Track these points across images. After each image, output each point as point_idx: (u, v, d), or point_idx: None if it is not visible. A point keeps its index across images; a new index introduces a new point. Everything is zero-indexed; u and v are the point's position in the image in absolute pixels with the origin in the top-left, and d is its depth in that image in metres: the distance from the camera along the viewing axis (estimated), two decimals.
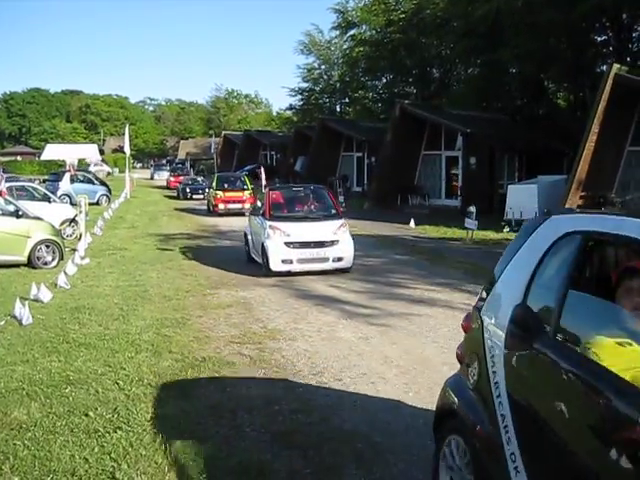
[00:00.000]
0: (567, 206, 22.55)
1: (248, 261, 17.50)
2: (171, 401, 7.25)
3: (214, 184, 34.64)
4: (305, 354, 9.10)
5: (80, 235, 20.35)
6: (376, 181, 37.28)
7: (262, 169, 25.55)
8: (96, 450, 6.01)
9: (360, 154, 46.88)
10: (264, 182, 22.26)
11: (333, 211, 16.68)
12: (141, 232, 24.70)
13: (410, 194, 36.63)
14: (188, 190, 47.84)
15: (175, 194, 49.80)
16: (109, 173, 79.86)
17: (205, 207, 36.72)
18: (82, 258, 17.32)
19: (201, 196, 44.32)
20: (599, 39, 39.29)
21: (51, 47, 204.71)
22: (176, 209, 37.76)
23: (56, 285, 13.70)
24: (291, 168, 54.45)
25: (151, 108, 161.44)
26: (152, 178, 78.93)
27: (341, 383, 7.93)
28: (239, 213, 30.32)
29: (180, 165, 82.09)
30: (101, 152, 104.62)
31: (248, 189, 33.74)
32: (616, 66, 23.14)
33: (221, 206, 32.87)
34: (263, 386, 7.82)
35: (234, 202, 32.87)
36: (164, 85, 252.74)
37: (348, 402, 7.29)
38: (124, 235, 23.75)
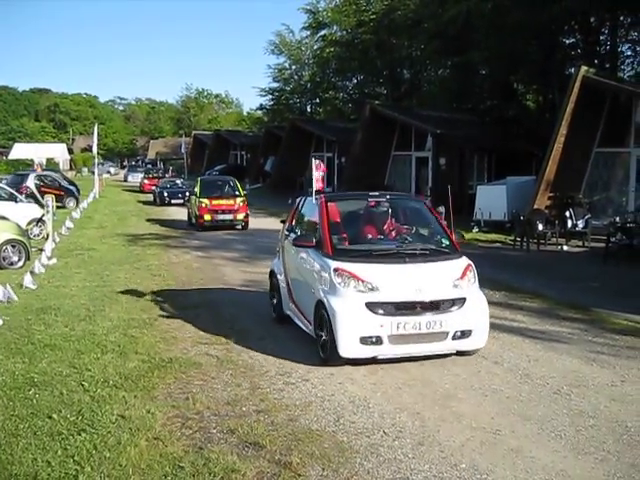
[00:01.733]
0: (535, 206, 22.73)
1: (276, 320, 11.04)
2: (137, 403, 7.18)
3: (197, 190, 27.13)
4: (273, 354, 9.07)
5: (47, 235, 20.15)
6: (346, 181, 37.27)
7: (317, 162, 11.74)
8: (59, 453, 5.94)
9: (330, 154, 46.85)
10: (318, 184, 10.87)
11: (445, 241, 9.56)
12: (109, 232, 24.50)
13: None
14: (166, 194, 40.87)
15: (151, 199, 43.44)
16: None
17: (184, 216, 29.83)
18: (49, 258, 17.15)
19: (181, 201, 38.96)
20: (567, 42, 39.60)
21: (19, 45, 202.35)
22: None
23: (22, 286, 13.53)
24: (261, 168, 54.40)
25: (121, 107, 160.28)
26: (125, 180, 72.93)
27: (309, 383, 7.91)
28: (229, 226, 26.25)
29: (150, 166, 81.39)
30: (70, 151, 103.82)
31: (241, 195, 27.28)
32: (584, 68, 23.36)
33: (207, 217, 25.84)
34: (230, 387, 7.77)
35: (224, 212, 26.17)
36: (134, 84, 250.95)
37: (316, 402, 7.27)
38: (92, 235, 23.54)
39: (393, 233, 9.77)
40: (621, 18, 36.05)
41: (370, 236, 9.57)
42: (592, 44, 37.81)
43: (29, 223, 21.22)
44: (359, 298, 8.20)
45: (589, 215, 22.17)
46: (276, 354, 9.09)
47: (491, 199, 25.87)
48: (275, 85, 74.04)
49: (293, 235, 10.41)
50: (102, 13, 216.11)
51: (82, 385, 7.72)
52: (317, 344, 8.77)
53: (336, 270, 8.45)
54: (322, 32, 62.56)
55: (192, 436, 6.39)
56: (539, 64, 36.44)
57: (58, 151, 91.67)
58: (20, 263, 16.35)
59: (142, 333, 10.09)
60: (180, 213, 32.25)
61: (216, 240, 22.73)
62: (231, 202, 26.55)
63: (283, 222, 11.72)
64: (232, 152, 74.05)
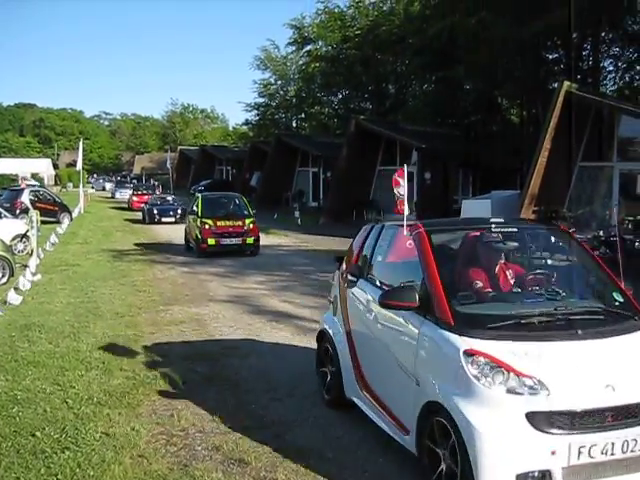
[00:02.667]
0: None
1: (329, 404, 7.75)
2: (121, 420, 7.14)
3: (198, 209, 23.30)
4: (258, 371, 9.04)
5: (32, 251, 20.02)
6: (331, 196, 37.40)
7: (401, 170, 7.58)
8: (42, 471, 5.88)
9: (316, 169, 46.95)
10: (400, 206, 7.26)
11: (618, 297, 6.16)
12: (94, 248, 24.38)
13: (365, 209, 36.70)
14: (156, 212, 37.86)
15: (140, 217, 39.58)
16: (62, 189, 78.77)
17: (179, 238, 26.31)
18: (33, 274, 17.03)
19: (172, 219, 36.91)
20: (551, 57, 39.96)
21: (4, 59, 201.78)
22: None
23: (6, 302, 13.44)
24: (247, 183, 54.42)
25: (106, 122, 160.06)
26: (113, 196, 69.54)
27: (295, 400, 7.88)
28: (236, 252, 22.59)
29: (136, 181, 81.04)
30: (55, 166, 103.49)
31: (250, 215, 23.81)
32: (567, 84, 23.54)
33: (211, 241, 22.17)
34: (216, 403, 7.73)
35: (230, 235, 22.56)
36: (120, 99, 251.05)
37: (301, 419, 7.25)
38: (77, 251, 23.43)
39: (529, 282, 6.28)
40: (603, 34, 36.41)
41: (504, 288, 6.13)
42: (575, 60, 38.15)
43: (13, 239, 21.07)
44: (514, 405, 4.83)
45: (573, 229, 22.19)
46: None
47: (476, 213, 25.82)
48: (261, 100, 74.23)
49: (363, 282, 7.10)
50: (87, 28, 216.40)
51: (66, 402, 7.66)
52: (429, 472, 5.35)
53: (469, 354, 5.08)
54: (307, 47, 62.84)
55: (177, 453, 6.35)
56: (523, 79, 36.74)
57: (43, 166, 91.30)
58: (4, 279, 16.21)
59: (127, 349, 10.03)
60: (173, 233, 29.81)
61: (201, 255, 22.65)
62: (239, 223, 22.96)
63: (339, 260, 8.20)
64: (218, 167, 74.05)
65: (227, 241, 22.52)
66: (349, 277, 7.40)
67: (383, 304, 6.02)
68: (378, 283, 6.84)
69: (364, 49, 53.20)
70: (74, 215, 38.75)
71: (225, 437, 6.70)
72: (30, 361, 9.31)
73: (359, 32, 53.88)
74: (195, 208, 23.74)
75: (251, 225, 23.03)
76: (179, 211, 37.14)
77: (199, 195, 25.45)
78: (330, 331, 7.75)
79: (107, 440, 6.59)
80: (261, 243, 23.69)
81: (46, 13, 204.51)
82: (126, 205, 51.60)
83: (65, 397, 7.84)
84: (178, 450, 6.42)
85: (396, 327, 6.13)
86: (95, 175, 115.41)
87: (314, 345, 8.62)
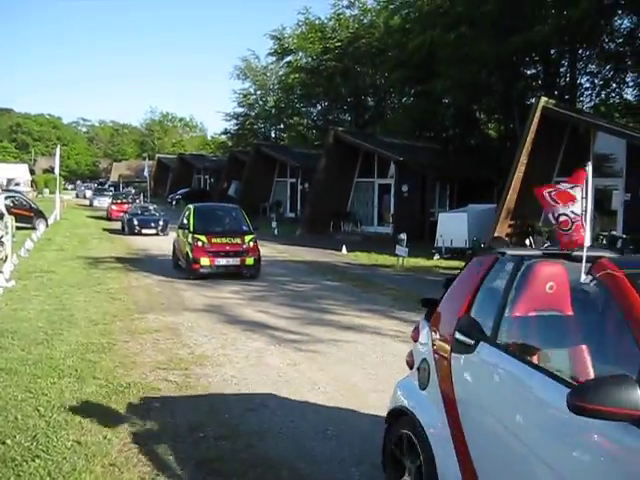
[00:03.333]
0: (496, 234, 22.98)
1: None
2: (93, 428, 7.08)
3: (190, 222, 20.24)
4: (232, 380, 9.02)
5: (6, 257, 19.86)
6: (309, 207, 37.44)
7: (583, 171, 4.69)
8: (12, 479, 5.82)
9: (294, 180, 47.05)
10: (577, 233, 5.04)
11: None
12: (70, 255, 24.19)
13: (342, 221, 36.87)
14: (136, 222, 35.19)
15: (119, 227, 37.66)
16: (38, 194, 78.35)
17: (162, 256, 24.15)
18: (7, 280, 16.86)
19: (153, 230, 34.85)
20: (529, 72, 40.44)
21: None
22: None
23: None
24: (225, 193, 54.40)
25: (84, 129, 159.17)
26: (91, 205, 66.00)
27: (268, 410, 7.86)
28: (234, 274, 19.45)
29: (113, 189, 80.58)
30: (31, 172, 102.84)
31: (250, 232, 20.58)
32: (544, 99, 23.81)
33: (205, 262, 19.02)
34: (188, 412, 7.70)
35: (228, 255, 19.40)
36: (98, 106, 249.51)
37: (275, 429, 7.23)
38: (52, 257, 23.24)
39: None
40: (580, 51, 36.85)
41: None
42: (552, 75, 38.61)
43: None
44: None
45: (549, 243, 22.45)
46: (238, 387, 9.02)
47: (452, 226, 26.12)
48: (240, 110, 74.42)
49: (488, 349, 4.36)
50: (66, 34, 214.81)
51: (38, 410, 7.58)
52: None
53: None
54: (287, 58, 63.11)
55: (148, 463, 6.31)
56: (501, 94, 37.12)
57: (20, 172, 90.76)
58: None
59: (100, 357, 9.96)
60: (157, 247, 27.51)
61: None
62: (237, 241, 19.75)
63: (427, 305, 5.90)
64: (196, 176, 73.95)
65: (223, 261, 19.24)
66: (458, 336, 4.65)
67: (578, 408, 3.07)
68: (520, 353, 4.18)
69: (344, 61, 53.53)
70: (50, 222, 38.45)
71: (198, 446, 6.67)
72: (2, 368, 9.20)
73: (339, 44, 54.17)
74: (186, 221, 20.71)
75: (251, 243, 19.78)
76: (161, 222, 35.23)
77: (191, 206, 21.68)
78: (418, 416, 4.92)
79: (79, 448, 6.52)
80: None
81: (23, 17, 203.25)
82: (104, 214, 48.71)
83: (37, 405, 7.75)
84: (150, 458, 6.38)
85: (583, 440, 3.35)
86: (79, 182, 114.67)
87: (288, 354, 8.52)
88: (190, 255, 19.15)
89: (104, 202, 58.97)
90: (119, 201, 48.48)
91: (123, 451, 6.54)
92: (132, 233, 34.43)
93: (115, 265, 21.86)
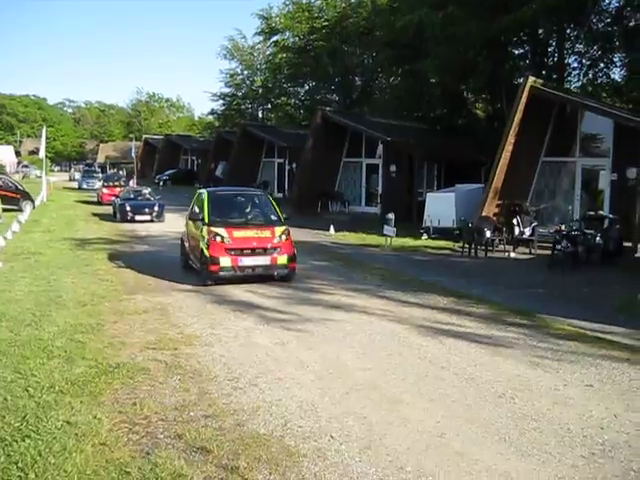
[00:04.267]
0: (484, 214, 23.03)
1: None
2: (83, 408, 7.11)
3: (204, 211, 15.97)
4: (221, 360, 9.06)
5: None
6: (297, 187, 37.37)
7: None
8: (2, 460, 5.86)
9: (281, 160, 46.96)
10: None
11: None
12: (57, 236, 24.10)
13: (330, 201, 36.88)
14: (128, 208, 31.82)
15: (110, 212, 34.33)
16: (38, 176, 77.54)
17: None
18: None
19: (148, 217, 31.51)
20: (517, 52, 40.36)
21: None
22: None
23: None
24: (212, 173, 54.25)
25: (70, 110, 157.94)
26: (80, 187, 62.15)
27: (257, 389, 7.91)
28: (262, 277, 15.47)
29: (100, 170, 79.92)
30: (17, 154, 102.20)
31: (281, 221, 16.25)
32: (531, 79, 23.77)
33: (225, 262, 14.87)
34: (178, 392, 7.74)
35: (254, 253, 15.20)
36: (84, 87, 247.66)
37: (264, 407, 7.28)
38: (39, 239, 23.15)
39: None
40: (568, 31, 36.80)
41: None
42: (540, 55, 38.56)
43: None
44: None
45: (536, 223, 22.60)
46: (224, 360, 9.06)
47: (440, 206, 26.15)
48: (227, 90, 74.16)
49: None
50: (50, 14, 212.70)
51: (27, 391, 7.60)
52: None
53: None
54: (275, 38, 62.80)
55: (139, 441, 6.35)
56: (488, 74, 37.01)
57: (5, 153, 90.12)
58: None
59: (89, 338, 9.97)
60: (155, 239, 24.35)
61: (164, 245, 22.54)
62: (267, 234, 15.37)
63: None
64: (183, 157, 73.68)
65: (249, 261, 14.97)
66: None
67: None
68: None
69: (331, 41, 53.33)
70: (36, 203, 38.22)
71: (188, 425, 6.71)
72: None
73: (327, 24, 53.97)
74: (198, 210, 16.52)
75: (283, 237, 15.48)
76: (156, 208, 32.08)
77: (204, 191, 17.31)
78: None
79: (69, 428, 6.56)
80: None
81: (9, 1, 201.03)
82: (93, 197, 46.77)
83: (26, 385, 7.78)
84: (140, 438, 6.43)
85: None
86: (74, 163, 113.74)
87: (277, 333, 8.54)
88: (207, 254, 14.86)
89: (93, 184, 57.87)
90: (111, 184, 45.37)
91: (113, 430, 6.58)
92: (124, 220, 31.24)
93: (102, 246, 21.77)
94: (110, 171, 75.07)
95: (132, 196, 34.57)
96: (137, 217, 31.38)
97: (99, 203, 42.46)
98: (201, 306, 12.80)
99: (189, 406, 7.25)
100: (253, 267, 15.09)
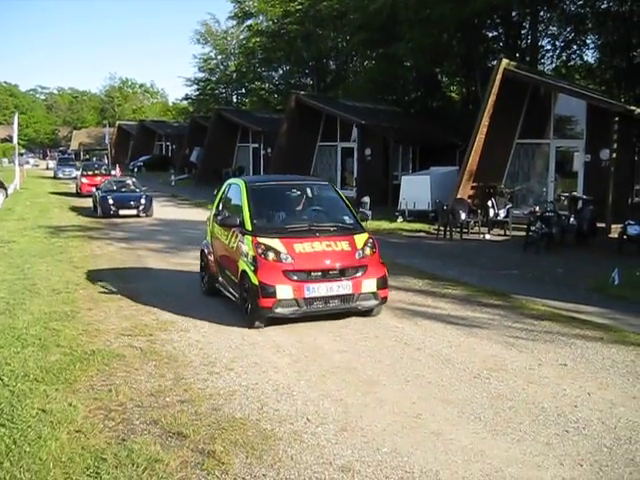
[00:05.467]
0: (459, 196, 23.11)
1: None
2: (58, 396, 7.07)
3: (243, 214, 10.71)
4: (197, 345, 9.04)
5: None
6: (272, 172, 37.24)
7: None
8: None
9: (256, 145, 46.74)
10: None
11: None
12: (31, 224, 23.90)
13: None
14: (111, 201, 27.66)
15: (91, 205, 30.59)
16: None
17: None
18: None
19: (133, 211, 27.63)
20: (490, 35, 40.50)
21: None
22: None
23: None
24: (186, 159, 54.00)
25: (42, 97, 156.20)
26: (55, 177, 58.64)
27: (233, 373, 7.91)
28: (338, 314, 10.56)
29: (74, 156, 79.11)
30: None
31: (360, 227, 11.04)
32: (505, 61, 23.82)
33: (284, 292, 9.65)
34: (153, 378, 7.72)
35: (327, 274, 9.95)
36: (56, 73, 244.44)
37: (240, 391, 7.28)
38: (12, 227, 22.95)
39: None
40: (541, 14, 36.96)
41: None
42: (514, 38, 38.71)
43: None
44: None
45: (510, 205, 22.72)
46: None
47: (415, 189, 26.20)
48: (201, 75, 73.94)
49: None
50: (20, 1, 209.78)
51: (1, 379, 7.55)
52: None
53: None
54: (248, 22, 62.64)
55: (115, 428, 6.33)
56: (462, 57, 37.15)
57: None
58: None
59: (64, 326, 9.91)
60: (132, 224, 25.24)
61: (140, 231, 22.43)
62: (344, 246, 10.28)
63: None
64: (157, 143, 73.22)
65: (322, 289, 9.78)
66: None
67: None
68: None
69: (305, 24, 53.18)
70: (9, 191, 37.83)
71: (163, 411, 6.70)
72: None
73: (300, 7, 53.73)
74: (228, 213, 11.65)
75: (368, 249, 10.42)
76: (143, 200, 27.99)
77: (239, 182, 11.75)
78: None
79: (43, 416, 6.53)
80: (203, 218, 16.45)
81: None
82: (70, 187, 44.22)
83: (0, 374, 7.72)
84: (116, 425, 6.40)
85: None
86: (51, 150, 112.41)
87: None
88: (253, 279, 9.79)
89: (70, 173, 55.39)
90: (90, 173, 40.77)
91: (88, 417, 6.56)
92: (106, 214, 27.21)
93: (77, 234, 21.62)
94: (86, 157, 74.05)
95: (115, 187, 30.18)
96: (121, 211, 27.40)
97: (78, 194, 38.73)
98: (176, 291, 12.74)
99: (165, 392, 7.24)
100: (328, 298, 9.90)
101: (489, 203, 22.48)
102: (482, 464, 5.64)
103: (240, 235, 10.52)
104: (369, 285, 10.10)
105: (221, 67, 72.89)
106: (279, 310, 9.68)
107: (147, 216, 27.54)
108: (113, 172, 43.56)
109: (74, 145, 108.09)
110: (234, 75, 69.61)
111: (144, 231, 22.06)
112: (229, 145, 49.70)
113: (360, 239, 10.49)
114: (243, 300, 10.24)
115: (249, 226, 10.40)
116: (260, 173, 44.51)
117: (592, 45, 37.54)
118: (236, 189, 11.63)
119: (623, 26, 33.45)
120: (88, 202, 31.81)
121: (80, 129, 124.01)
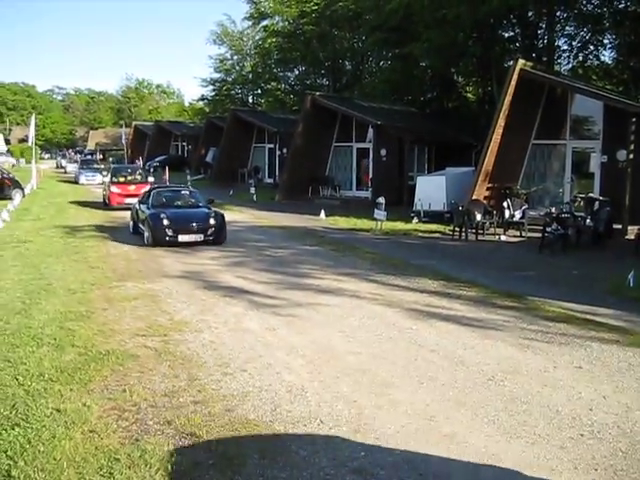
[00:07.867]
0: (474, 197, 23.03)
1: None
2: (72, 396, 7.10)
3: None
4: (211, 345, 9.05)
5: None
6: (287, 172, 37.24)
7: None
8: None
9: (272, 145, 46.79)
10: None
11: None
12: (47, 224, 23.97)
13: (321, 185, 36.78)
14: (166, 222, 18.74)
15: (124, 223, 23.83)
16: (14, 165, 76.79)
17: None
18: None
19: (200, 237, 18.73)
20: (506, 35, 40.31)
21: None
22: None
23: None
24: (202, 159, 54.09)
25: (59, 97, 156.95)
26: (77, 182, 49.86)
27: (247, 374, 7.90)
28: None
29: (98, 158, 79.14)
30: (7, 142, 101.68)
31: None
32: (521, 61, 23.71)
33: None
34: (167, 378, 7.73)
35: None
36: (73, 74, 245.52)
37: (253, 392, 7.28)
38: (29, 227, 23.05)
39: None
40: (558, 13, 36.76)
41: None
42: (530, 38, 38.52)
43: None
44: None
45: (526, 205, 22.60)
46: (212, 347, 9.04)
47: (431, 190, 26.14)
48: (217, 75, 73.98)
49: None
50: (41, 1, 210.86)
51: (16, 379, 7.59)
52: None
53: None
54: (264, 22, 62.55)
55: (128, 428, 6.35)
56: (478, 57, 36.99)
57: None
58: None
59: (79, 326, 9.95)
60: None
61: None
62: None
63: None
64: (173, 143, 73.33)
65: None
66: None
67: None
68: None
69: (321, 25, 53.09)
70: (26, 191, 37.94)
71: (177, 411, 6.71)
72: None
73: (316, 7, 53.64)
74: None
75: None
76: (212, 221, 19.22)
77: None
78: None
79: (58, 416, 6.56)
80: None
81: None
82: (95, 195, 36.46)
83: (15, 374, 7.76)
84: (130, 425, 6.42)
85: None
86: (59, 151, 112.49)
87: (267, 318, 8.52)
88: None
89: (94, 179, 47.46)
90: (123, 179, 31.93)
91: (102, 417, 6.57)
92: (160, 242, 18.67)
93: (92, 234, 21.65)
94: (93, 156, 72.71)
95: (165, 200, 21.12)
96: (181, 237, 18.81)
97: (106, 205, 30.70)
98: (191, 292, 12.74)
99: (179, 392, 7.25)
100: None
101: (505, 204, 22.38)
102: (496, 467, 5.61)
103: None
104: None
105: (237, 68, 72.96)
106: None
107: (217, 244, 19.19)
108: (150, 179, 33.36)
109: (91, 145, 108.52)
110: (250, 76, 69.64)
111: None
112: (245, 145, 49.75)
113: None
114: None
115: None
116: (276, 173, 44.61)
117: (609, 45, 37.29)
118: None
119: None
120: (120, 217, 26.03)
121: (97, 129, 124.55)
